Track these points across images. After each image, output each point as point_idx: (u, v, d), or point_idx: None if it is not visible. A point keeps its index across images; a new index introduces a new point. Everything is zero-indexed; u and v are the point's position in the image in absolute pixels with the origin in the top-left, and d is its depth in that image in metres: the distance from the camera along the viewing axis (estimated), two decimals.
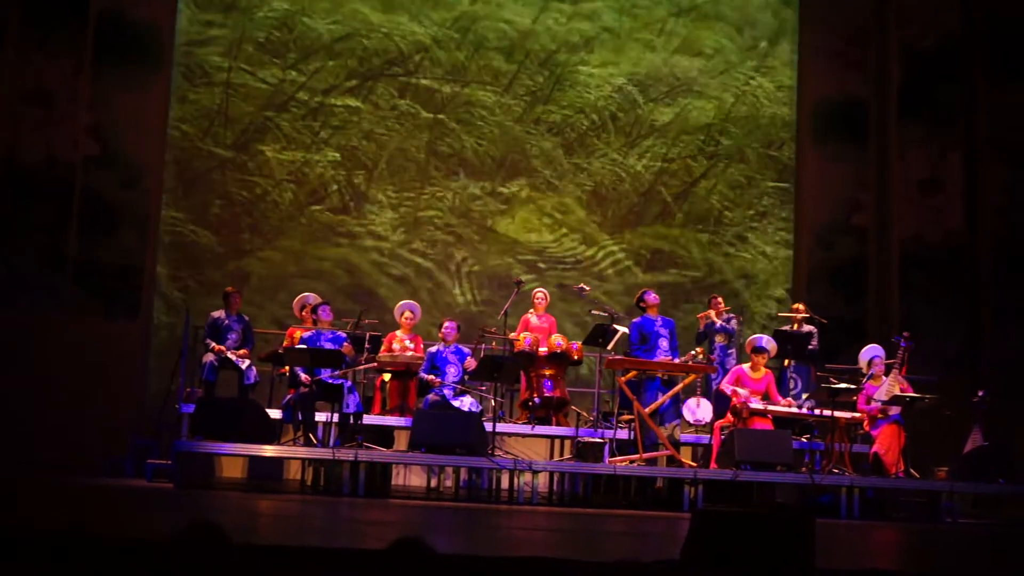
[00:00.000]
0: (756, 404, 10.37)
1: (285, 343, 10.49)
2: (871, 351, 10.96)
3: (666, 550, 4.97)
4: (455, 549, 5.31)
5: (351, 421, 9.83)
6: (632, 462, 9.94)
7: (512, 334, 10.88)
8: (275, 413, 10.06)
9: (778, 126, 14.30)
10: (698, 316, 11.74)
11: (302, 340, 10.09)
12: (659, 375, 10.50)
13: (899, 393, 10.43)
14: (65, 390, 11.21)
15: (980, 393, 11.23)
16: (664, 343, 10.73)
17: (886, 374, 10.68)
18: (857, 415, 10.62)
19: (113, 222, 12.23)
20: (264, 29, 13.30)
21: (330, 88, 13.37)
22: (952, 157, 13.50)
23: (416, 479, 11.98)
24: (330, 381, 9.86)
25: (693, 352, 10.78)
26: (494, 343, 11.15)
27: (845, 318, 13.16)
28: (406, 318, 10.72)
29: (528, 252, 13.59)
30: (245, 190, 13.09)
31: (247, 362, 10.27)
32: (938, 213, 13.46)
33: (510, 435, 10.91)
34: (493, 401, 10.40)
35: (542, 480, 10.73)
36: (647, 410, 10.05)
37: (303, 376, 9.92)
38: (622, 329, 10.69)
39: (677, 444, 10.41)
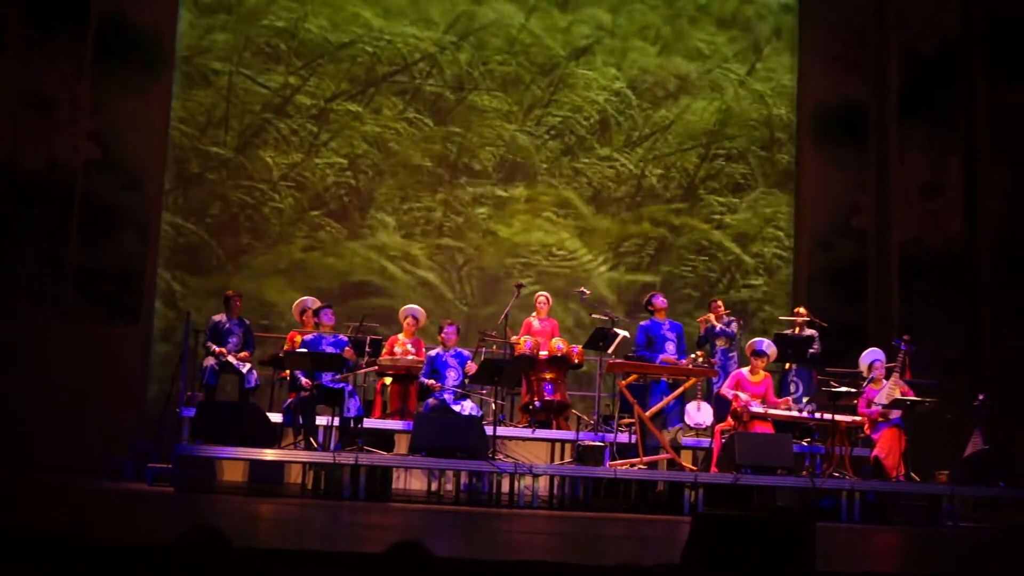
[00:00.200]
0: (756, 408, 10.36)
1: (285, 347, 10.49)
2: (872, 355, 10.96)
3: (666, 554, 4.97)
4: (456, 553, 5.31)
5: (352, 425, 9.82)
6: (632, 466, 9.94)
7: (513, 337, 10.89)
8: (275, 417, 10.05)
9: (778, 128, 14.31)
10: (698, 320, 11.75)
11: (304, 343, 10.08)
12: (665, 379, 10.51)
13: (899, 397, 10.43)
14: (66, 393, 11.22)
15: (980, 397, 11.23)
16: (671, 347, 10.74)
17: (887, 377, 10.68)
18: (858, 419, 10.61)
19: (114, 226, 12.25)
20: (265, 34, 13.31)
21: (331, 93, 13.38)
22: (952, 160, 13.50)
23: (416, 483, 11.97)
24: (330, 385, 9.86)
25: (693, 356, 10.79)
26: (495, 346, 11.15)
27: (845, 322, 13.15)
28: (409, 323, 10.73)
29: (529, 255, 13.60)
30: (246, 194, 13.10)
31: (248, 365, 10.28)
32: (938, 216, 13.46)
33: (510, 439, 10.91)
34: (494, 404, 10.39)
35: (542, 484, 10.73)
36: (648, 414, 10.04)
37: (303, 380, 9.92)
38: (623, 332, 10.69)
39: (679, 448, 10.40)
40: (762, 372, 10.61)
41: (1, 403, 10.92)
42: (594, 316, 11.46)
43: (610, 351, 10.70)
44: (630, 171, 13.93)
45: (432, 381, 10.26)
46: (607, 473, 9.89)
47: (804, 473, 10.28)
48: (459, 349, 10.52)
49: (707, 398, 10.77)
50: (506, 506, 9.95)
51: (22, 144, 11.84)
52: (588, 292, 11.71)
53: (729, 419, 10.46)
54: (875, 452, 10.46)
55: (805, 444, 10.76)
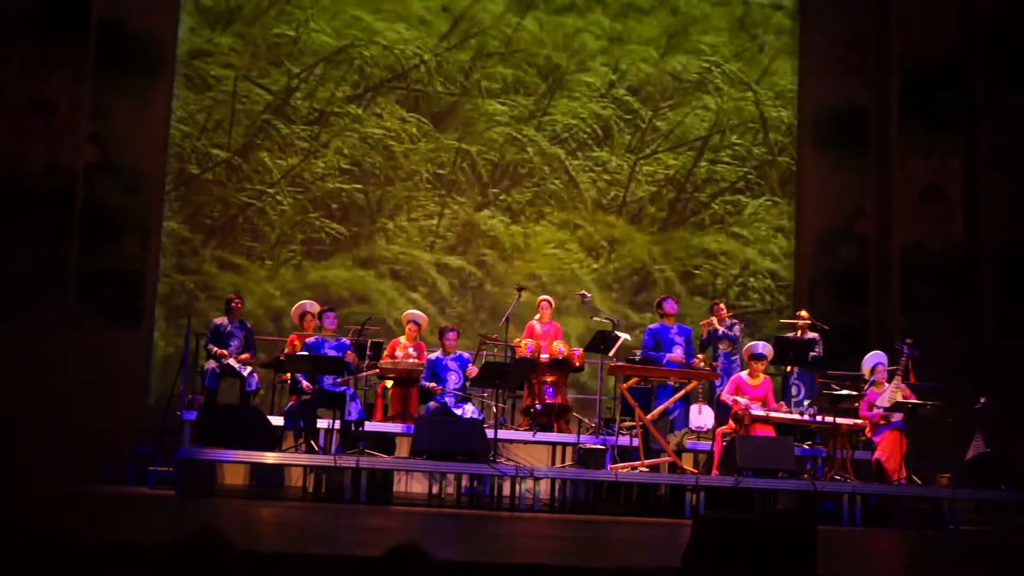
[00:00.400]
0: (758, 411, 10.36)
1: (286, 350, 10.49)
2: (874, 357, 10.96)
3: (668, 557, 4.97)
4: (457, 556, 5.31)
5: (352, 428, 9.83)
6: (634, 469, 9.94)
7: (516, 340, 10.89)
8: (277, 420, 10.05)
9: (779, 133, 14.31)
10: (701, 323, 11.75)
11: (306, 347, 10.09)
12: (671, 382, 10.51)
13: (901, 399, 10.43)
14: (67, 397, 11.21)
15: (982, 400, 11.22)
16: (679, 350, 10.74)
17: (888, 380, 10.68)
18: (859, 422, 10.61)
19: (114, 230, 12.25)
20: (266, 38, 13.33)
21: (332, 97, 13.40)
22: (953, 164, 13.50)
23: (418, 486, 11.96)
24: (332, 389, 9.86)
25: (696, 359, 10.78)
26: (495, 349, 11.15)
27: (846, 325, 13.14)
28: (411, 327, 10.72)
29: (531, 259, 13.60)
30: (246, 198, 13.11)
31: (249, 368, 10.28)
32: (939, 221, 13.45)
33: (511, 442, 10.90)
34: (495, 407, 10.39)
35: (544, 487, 10.72)
36: (649, 417, 10.04)
37: (304, 383, 9.92)
38: (623, 336, 10.69)
39: (682, 451, 10.40)
40: (761, 375, 10.61)
41: (2, 407, 10.92)
42: (595, 319, 11.47)
43: (611, 354, 10.71)
44: (632, 175, 13.93)
45: (433, 384, 10.26)
46: (608, 476, 9.89)
47: (805, 476, 10.28)
48: (460, 352, 10.52)
49: (708, 401, 10.78)
50: (507, 509, 9.95)
51: (23, 149, 11.84)
52: (590, 295, 11.70)
53: (730, 422, 10.46)
54: (876, 455, 10.45)
55: (806, 447, 10.75)
